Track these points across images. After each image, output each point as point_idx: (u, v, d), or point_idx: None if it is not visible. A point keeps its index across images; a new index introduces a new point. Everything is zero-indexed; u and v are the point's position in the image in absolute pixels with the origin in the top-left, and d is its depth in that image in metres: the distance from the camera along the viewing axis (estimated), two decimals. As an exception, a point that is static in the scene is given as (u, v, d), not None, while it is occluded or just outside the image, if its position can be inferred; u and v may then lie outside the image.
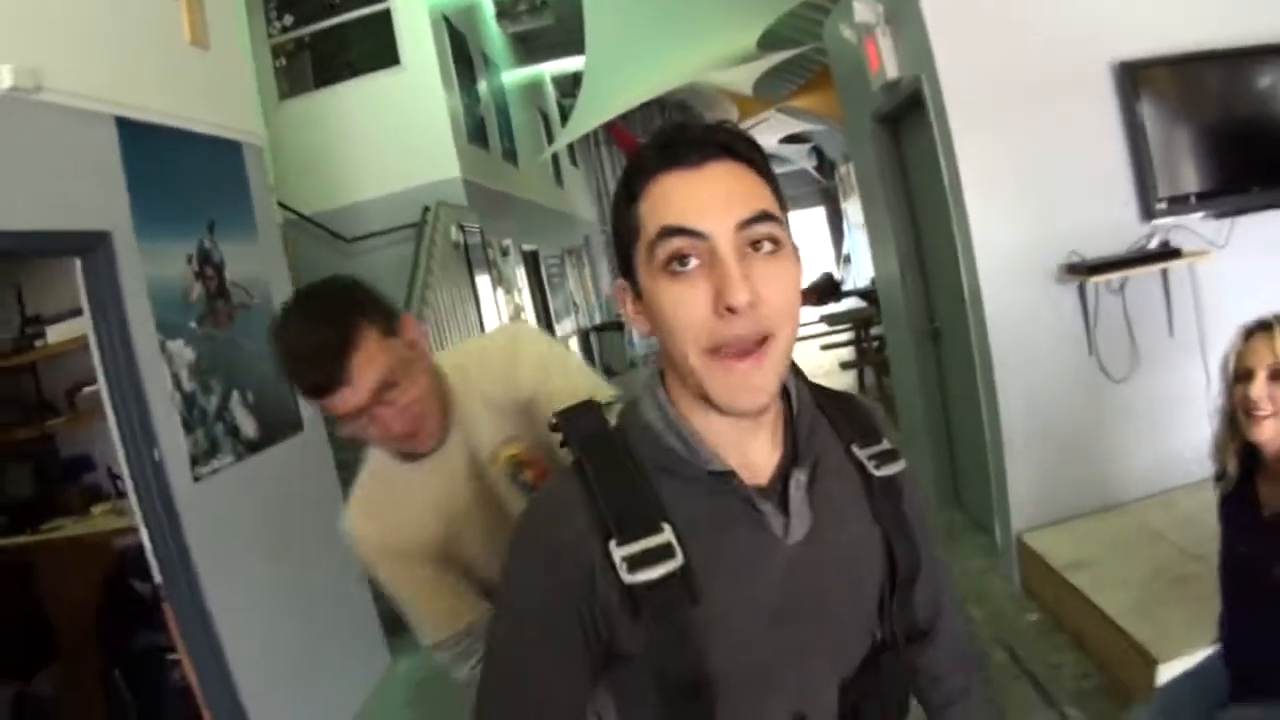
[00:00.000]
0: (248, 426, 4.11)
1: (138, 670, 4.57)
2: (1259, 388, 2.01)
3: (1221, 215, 4.04)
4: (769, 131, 13.94)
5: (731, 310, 0.93)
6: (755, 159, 1.03)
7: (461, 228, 8.34)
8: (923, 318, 5.50)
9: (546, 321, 12.46)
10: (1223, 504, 2.29)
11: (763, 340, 0.96)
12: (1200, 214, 4.03)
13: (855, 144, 6.28)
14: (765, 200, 1.00)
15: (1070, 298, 4.11)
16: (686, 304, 0.96)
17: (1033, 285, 4.12)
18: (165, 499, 3.50)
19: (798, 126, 13.70)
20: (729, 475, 1.04)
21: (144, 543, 3.52)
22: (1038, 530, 4.22)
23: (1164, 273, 4.07)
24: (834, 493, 1.11)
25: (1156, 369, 4.16)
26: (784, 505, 1.06)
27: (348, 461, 5.58)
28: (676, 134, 1.03)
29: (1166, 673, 2.85)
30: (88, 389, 4.60)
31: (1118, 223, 4.04)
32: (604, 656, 1.05)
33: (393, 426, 1.57)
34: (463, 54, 9.80)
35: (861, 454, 1.15)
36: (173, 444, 3.58)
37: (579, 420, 1.11)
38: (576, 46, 7.54)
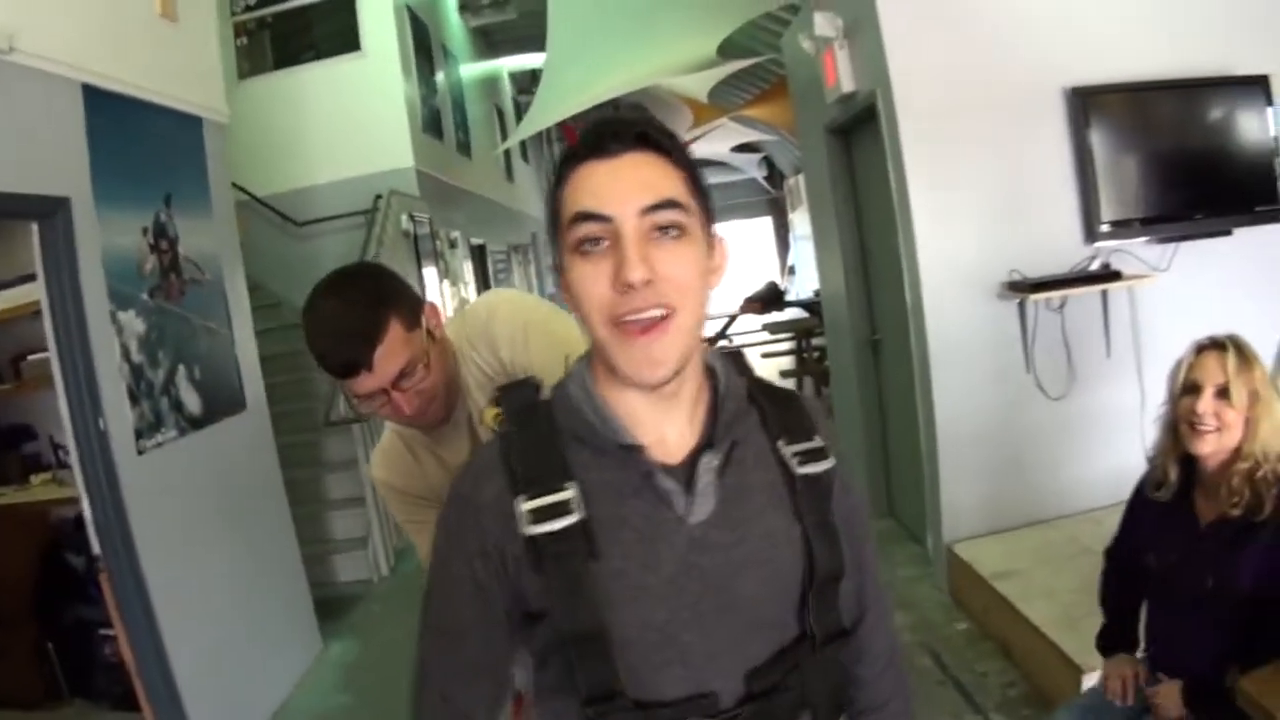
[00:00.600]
0: (192, 402, 4.09)
1: (70, 643, 4.56)
2: (1205, 403, 2.12)
3: (1165, 240, 4.20)
4: (721, 139, 14.06)
5: (630, 286, 1.01)
6: (673, 151, 1.10)
7: (412, 217, 8.33)
8: (864, 328, 5.61)
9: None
10: (1140, 508, 2.43)
11: (664, 317, 1.04)
12: (1144, 239, 4.19)
13: (807, 155, 6.39)
14: (674, 189, 1.07)
15: (1010, 314, 4.24)
16: (591, 280, 1.05)
17: (974, 300, 4.23)
18: (109, 470, 3.47)
19: (750, 136, 13.83)
20: (635, 449, 1.11)
21: (84, 514, 3.51)
22: (969, 540, 4.33)
23: (1104, 294, 4.21)
24: (751, 483, 1.16)
25: (1092, 388, 4.30)
26: (690, 485, 1.12)
27: (291, 445, 5.62)
28: (602, 126, 1.10)
29: (1090, 682, 2.95)
30: (33, 356, 4.56)
31: (1061, 243, 4.18)
32: (520, 615, 1.14)
33: (404, 409, 1.68)
34: (423, 44, 9.76)
35: (786, 450, 1.19)
36: (118, 415, 3.56)
37: (515, 394, 1.21)
38: (536, 43, 7.57)
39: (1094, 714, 2.44)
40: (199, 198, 4.39)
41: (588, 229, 1.05)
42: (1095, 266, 4.15)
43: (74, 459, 3.49)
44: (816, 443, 1.22)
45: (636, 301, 1.02)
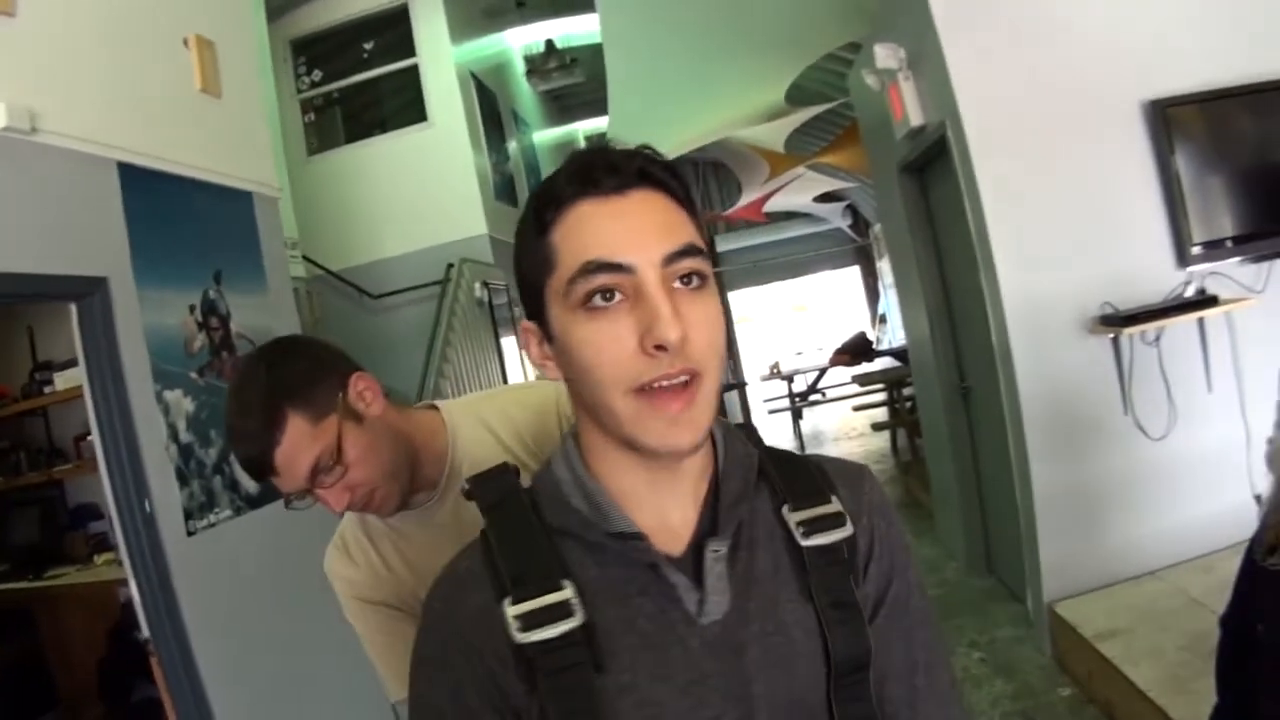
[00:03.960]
0: (248, 481, 3.99)
1: (137, 723, 4.49)
2: None
3: (1259, 259, 3.88)
4: (803, 190, 13.87)
5: (662, 348, 0.86)
6: (676, 187, 0.96)
7: (487, 285, 8.28)
8: (953, 375, 5.35)
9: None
10: (1252, 573, 2.06)
11: (689, 382, 0.89)
12: (1237, 259, 3.87)
13: (882, 196, 6.20)
14: (690, 232, 0.93)
15: (1104, 351, 3.96)
16: (609, 342, 0.89)
17: (1065, 339, 3.97)
18: (156, 552, 3.38)
19: (831, 184, 13.62)
20: (636, 537, 0.95)
21: (132, 596, 3.41)
22: (1071, 599, 4.03)
23: (1200, 322, 3.90)
24: (761, 568, 1.00)
25: (1195, 425, 3.98)
26: (699, 579, 0.96)
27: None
28: (592, 158, 0.94)
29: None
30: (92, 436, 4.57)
31: (1151, 270, 3.90)
32: None
33: (335, 506, 1.48)
34: (492, 112, 9.81)
35: (791, 518, 1.02)
36: (166, 496, 3.48)
37: (491, 483, 1.04)
38: (606, 106, 7.51)
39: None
40: (252, 273, 4.33)
41: (600, 280, 0.88)
42: (1190, 293, 3.84)
43: (119, 541, 3.41)
44: (831, 507, 1.03)
45: (666, 366, 0.87)
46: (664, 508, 0.99)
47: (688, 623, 0.94)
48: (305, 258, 7.31)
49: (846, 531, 1.02)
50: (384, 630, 1.68)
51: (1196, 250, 3.83)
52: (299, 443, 1.42)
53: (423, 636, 1.01)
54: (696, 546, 0.97)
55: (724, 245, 16.79)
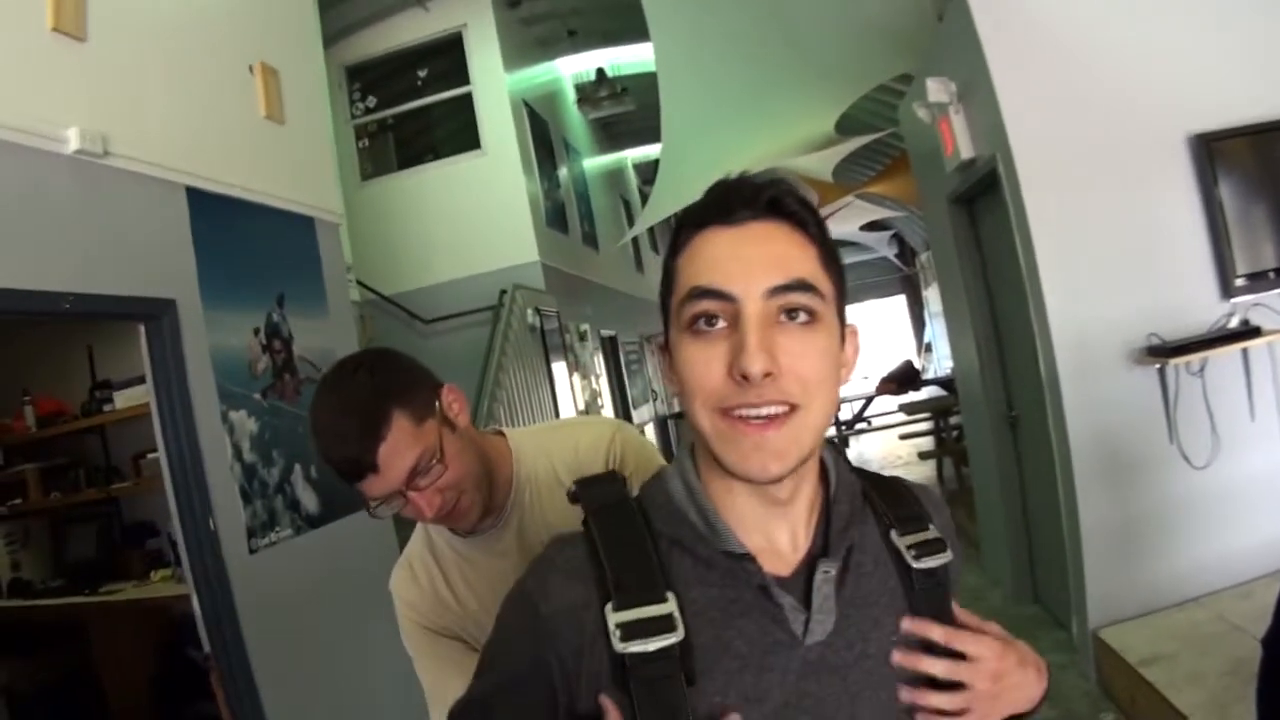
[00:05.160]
0: (309, 501, 4.08)
1: (190, 740, 4.55)
2: None
3: (1303, 291, 3.88)
4: (850, 218, 13.91)
5: (746, 377, 0.86)
6: (807, 221, 0.96)
7: (539, 311, 8.35)
8: (1001, 404, 5.33)
9: (624, 408, 12.41)
10: None
11: (787, 411, 0.89)
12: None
13: (932, 227, 6.20)
14: (807, 268, 0.93)
15: (1149, 381, 3.96)
16: (703, 365, 0.90)
17: (1111, 369, 3.98)
18: (218, 569, 3.46)
19: (878, 213, 13.65)
20: (746, 558, 0.95)
21: (195, 611, 3.48)
22: (1115, 626, 4.02)
23: (1244, 352, 3.90)
24: (869, 592, 1.01)
25: (1237, 454, 3.97)
26: (807, 600, 0.96)
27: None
28: (727, 188, 0.96)
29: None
30: (152, 455, 4.64)
31: (1196, 301, 3.91)
32: None
33: (425, 510, 1.49)
34: (544, 139, 9.94)
35: (900, 542, 1.05)
36: (230, 514, 3.57)
37: (598, 488, 1.05)
38: (657, 134, 7.56)
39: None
40: (314, 297, 4.43)
41: (704, 306, 0.91)
42: (1234, 324, 3.84)
43: (184, 558, 3.49)
44: (932, 533, 1.07)
45: (752, 396, 0.88)
46: (773, 529, 0.99)
47: (791, 644, 0.94)
48: (359, 282, 7.42)
49: (948, 557, 1.05)
50: (438, 656, 1.70)
51: (1240, 282, 3.84)
52: (403, 441, 1.43)
53: (506, 611, 1.03)
54: (806, 567, 0.98)
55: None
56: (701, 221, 0.95)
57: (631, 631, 0.90)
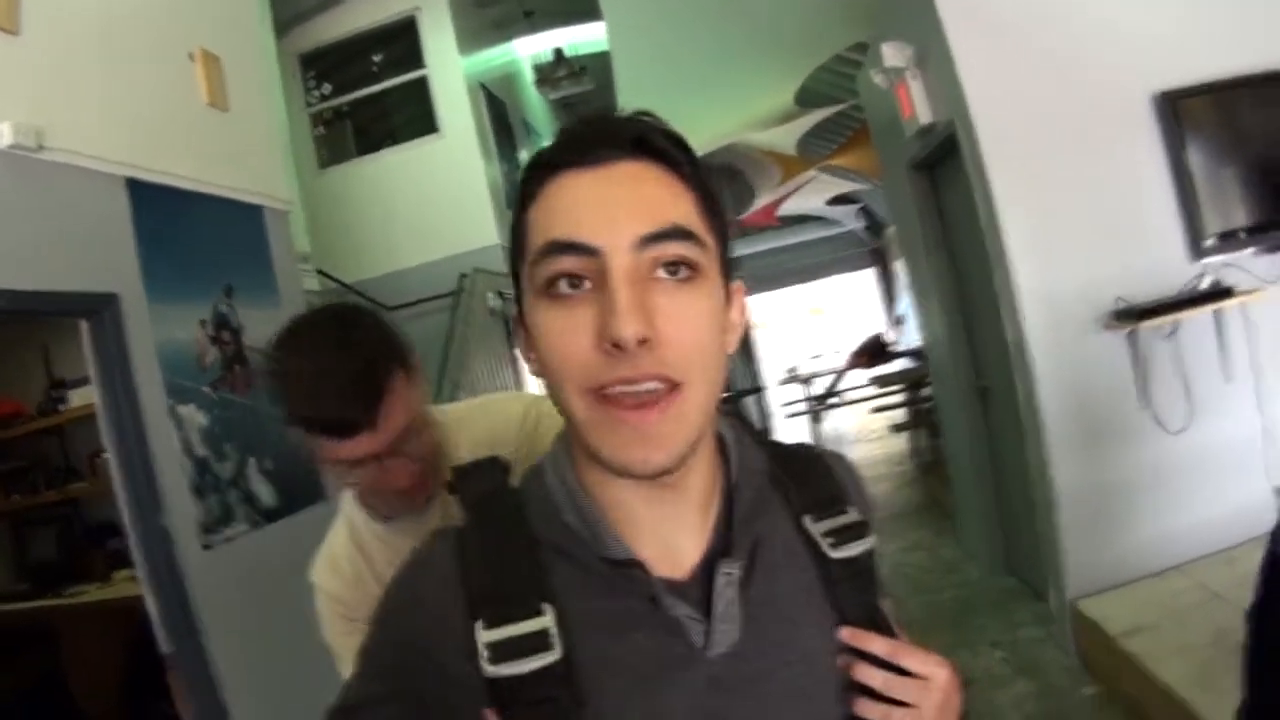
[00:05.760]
0: (265, 494, 3.99)
1: (160, 740, 4.48)
2: None
3: (1274, 249, 3.85)
4: (816, 192, 13.85)
5: (619, 346, 0.73)
6: (680, 161, 0.82)
7: (500, 295, 8.25)
8: (970, 375, 5.30)
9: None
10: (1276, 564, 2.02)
11: (668, 389, 0.76)
12: (1251, 249, 3.84)
13: (893, 196, 6.15)
14: (683, 212, 0.79)
15: (1119, 346, 3.92)
16: (566, 335, 0.77)
17: (1080, 334, 3.94)
18: (171, 567, 3.37)
19: (844, 186, 13.59)
20: (631, 564, 0.83)
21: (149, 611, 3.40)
22: (1094, 596, 3.98)
23: (1216, 314, 3.86)
24: (782, 590, 0.89)
25: (1212, 418, 3.94)
26: (708, 606, 0.84)
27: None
28: (585, 123, 0.83)
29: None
30: (106, 454, 4.58)
31: (1165, 264, 3.86)
32: None
33: (399, 480, 1.41)
34: (503, 121, 9.81)
35: (815, 529, 0.92)
36: (182, 511, 3.47)
37: (475, 477, 0.94)
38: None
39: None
40: (264, 287, 4.33)
41: (562, 264, 0.77)
42: (1205, 285, 3.81)
43: (136, 557, 3.40)
44: (852, 516, 0.95)
45: (626, 369, 0.75)
46: (664, 528, 0.86)
47: (691, 658, 0.83)
48: (319, 271, 7.31)
49: (871, 542, 0.94)
50: (355, 646, 1.62)
51: (1210, 242, 3.81)
52: (401, 400, 1.35)
53: (375, 623, 0.94)
54: (705, 569, 0.86)
55: (738, 250, 16.73)
56: (555, 164, 0.81)
57: (502, 652, 0.79)
